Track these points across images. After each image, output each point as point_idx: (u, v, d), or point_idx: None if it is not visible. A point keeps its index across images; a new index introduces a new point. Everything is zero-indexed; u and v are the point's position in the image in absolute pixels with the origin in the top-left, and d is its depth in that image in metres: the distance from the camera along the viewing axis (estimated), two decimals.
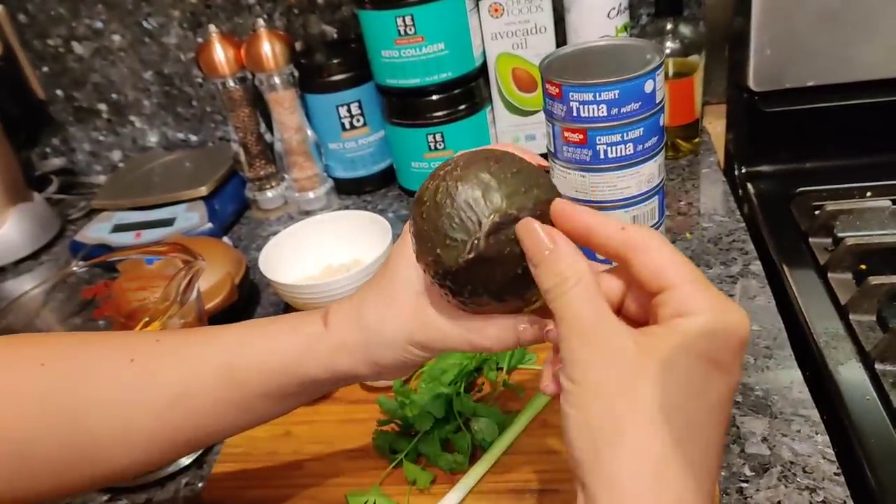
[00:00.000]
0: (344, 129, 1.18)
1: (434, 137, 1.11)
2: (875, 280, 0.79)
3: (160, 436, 0.55)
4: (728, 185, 1.07)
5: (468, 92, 1.11)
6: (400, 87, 1.10)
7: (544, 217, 0.45)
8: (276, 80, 1.12)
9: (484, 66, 1.12)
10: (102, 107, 1.40)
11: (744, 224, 0.97)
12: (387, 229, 0.94)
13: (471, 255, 0.44)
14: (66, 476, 0.54)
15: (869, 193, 0.97)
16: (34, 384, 0.53)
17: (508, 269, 0.46)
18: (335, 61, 1.14)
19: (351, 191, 1.24)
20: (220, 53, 1.12)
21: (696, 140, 1.15)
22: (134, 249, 0.82)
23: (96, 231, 1.18)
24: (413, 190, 1.19)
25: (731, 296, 0.85)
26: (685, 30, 1.07)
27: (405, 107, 1.12)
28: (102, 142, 1.44)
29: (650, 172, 0.76)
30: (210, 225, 1.15)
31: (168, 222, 1.16)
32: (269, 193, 1.23)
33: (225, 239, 1.16)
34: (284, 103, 1.14)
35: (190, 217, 1.16)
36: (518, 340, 0.50)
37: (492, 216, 0.44)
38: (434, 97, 1.10)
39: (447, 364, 0.76)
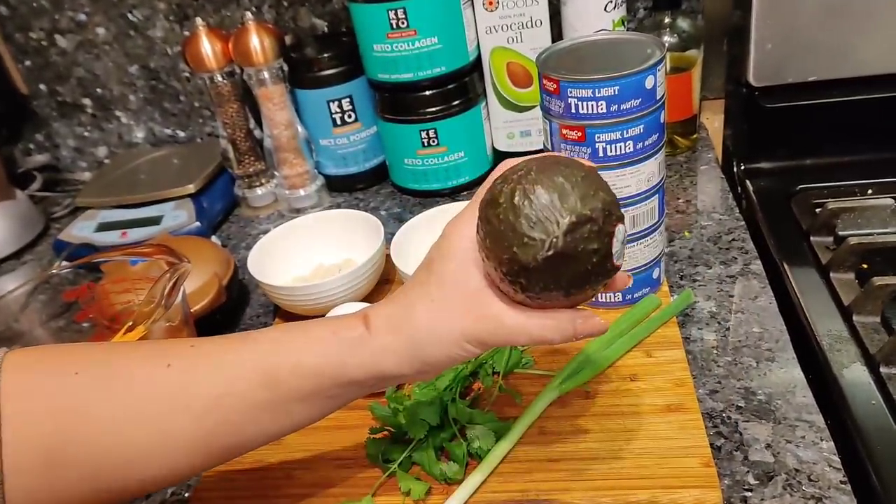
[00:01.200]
0: (335, 124, 1.15)
1: (427, 133, 1.09)
2: (879, 281, 0.77)
3: (198, 441, 0.55)
4: (727, 182, 1.05)
5: (462, 87, 1.09)
6: (392, 82, 1.08)
7: (609, 217, 0.50)
8: (265, 74, 1.10)
9: (478, 60, 1.10)
10: (87, 102, 1.37)
11: (743, 222, 0.95)
12: (379, 228, 0.92)
13: (549, 253, 0.48)
14: (102, 484, 0.53)
15: (871, 191, 0.96)
16: (68, 392, 0.53)
17: (579, 265, 0.49)
18: (326, 55, 1.12)
19: (342, 188, 1.22)
20: (208, 47, 1.10)
21: (694, 136, 1.13)
22: (118, 251, 0.80)
23: (81, 230, 1.16)
24: (405, 186, 1.17)
25: (731, 296, 0.83)
26: (683, 24, 1.06)
27: (398, 102, 1.10)
28: (87, 138, 1.41)
29: (650, 171, 0.74)
30: (198, 223, 1.12)
31: (155, 221, 1.14)
32: (259, 191, 1.21)
33: (213, 238, 1.14)
34: (274, 98, 1.12)
35: (177, 215, 1.14)
36: (575, 333, 0.53)
37: (569, 216, 0.48)
38: (427, 92, 1.08)
39: None
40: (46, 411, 0.52)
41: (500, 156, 1.17)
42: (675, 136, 1.11)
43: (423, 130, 1.09)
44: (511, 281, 0.50)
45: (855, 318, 0.77)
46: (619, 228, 0.51)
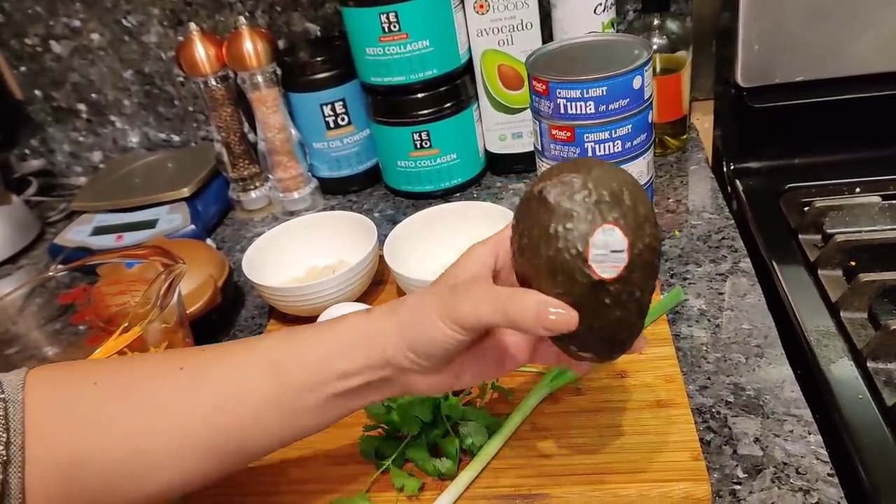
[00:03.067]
0: (328, 127, 1.16)
1: (420, 136, 1.10)
2: (866, 277, 0.78)
3: (209, 442, 0.56)
4: (716, 181, 1.06)
5: (454, 90, 1.10)
6: (385, 85, 1.09)
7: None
8: (259, 78, 1.11)
9: (470, 63, 1.11)
10: (82, 107, 1.38)
11: (733, 221, 0.96)
12: (372, 230, 0.93)
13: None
14: (119, 491, 0.54)
15: (858, 189, 0.97)
16: (88, 402, 0.54)
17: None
18: (319, 59, 1.13)
19: (336, 190, 1.23)
20: (201, 52, 1.10)
21: (684, 136, 1.14)
22: (113, 253, 0.80)
23: (76, 234, 1.16)
24: (398, 189, 1.18)
25: (720, 294, 0.84)
26: (672, 25, 1.07)
27: (390, 105, 1.11)
28: (82, 142, 1.42)
29: (639, 170, 0.75)
30: (193, 227, 1.13)
31: (150, 224, 1.15)
32: (253, 194, 1.22)
33: (208, 241, 1.14)
34: (267, 102, 1.13)
35: (172, 219, 1.14)
36: (537, 317, 0.50)
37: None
38: (419, 95, 1.09)
39: None
40: (68, 425, 0.53)
41: (492, 158, 1.18)
42: (666, 136, 1.12)
43: (416, 133, 1.10)
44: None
45: (842, 314, 0.78)
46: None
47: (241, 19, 1.10)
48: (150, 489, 0.55)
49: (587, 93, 0.70)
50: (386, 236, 0.92)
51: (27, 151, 1.44)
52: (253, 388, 0.56)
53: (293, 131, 1.16)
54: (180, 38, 1.27)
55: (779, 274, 0.86)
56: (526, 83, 0.74)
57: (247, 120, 1.19)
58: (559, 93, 0.71)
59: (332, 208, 1.19)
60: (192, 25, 1.11)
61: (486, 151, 1.18)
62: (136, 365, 0.59)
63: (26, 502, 0.50)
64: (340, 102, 1.14)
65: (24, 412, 0.52)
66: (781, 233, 0.93)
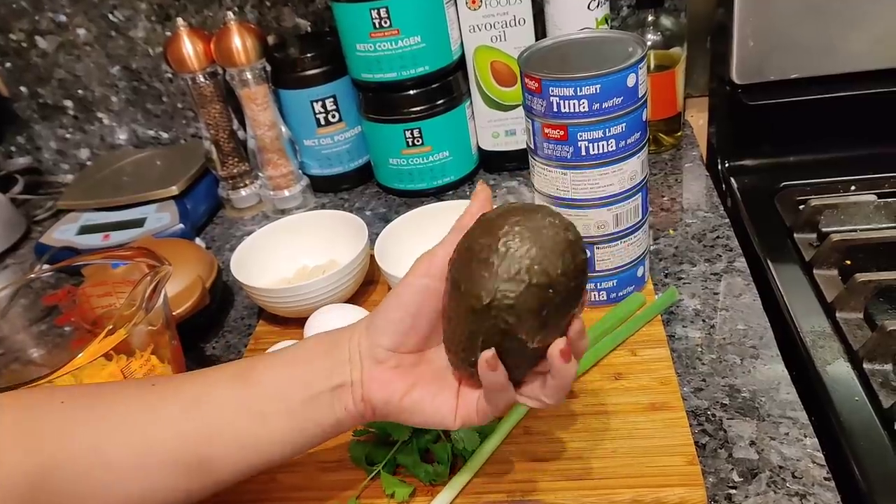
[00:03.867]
0: (319, 125, 1.15)
1: (412, 133, 1.09)
2: (862, 277, 0.78)
3: (176, 452, 0.55)
4: (711, 179, 1.05)
5: (446, 86, 1.09)
6: (376, 82, 1.07)
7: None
8: (248, 75, 1.09)
9: (462, 59, 1.10)
10: (68, 103, 1.36)
11: (728, 220, 0.95)
12: (363, 229, 0.92)
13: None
14: None
15: (853, 187, 0.96)
16: (54, 420, 0.53)
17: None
18: (309, 55, 1.11)
19: (327, 188, 1.22)
20: (189, 48, 1.09)
21: (679, 134, 1.13)
22: (98, 254, 0.79)
23: (63, 233, 1.15)
24: (390, 186, 1.17)
25: (715, 294, 0.83)
26: (667, 21, 1.06)
27: (381, 102, 1.10)
28: (69, 140, 1.40)
29: (633, 169, 0.74)
30: (181, 225, 1.11)
31: (138, 223, 1.13)
32: (243, 192, 1.20)
33: (197, 240, 1.13)
34: (257, 99, 1.11)
35: (161, 217, 1.13)
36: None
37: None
38: (411, 92, 1.08)
39: None
40: (33, 441, 0.52)
41: (485, 155, 1.17)
42: (660, 133, 1.11)
43: (408, 130, 1.09)
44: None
45: (838, 314, 0.78)
46: None
47: (230, 15, 1.08)
48: (115, 502, 0.54)
49: (580, 91, 0.69)
50: (378, 235, 0.91)
51: (13, 149, 1.42)
52: (220, 392, 0.57)
53: (283, 128, 1.15)
54: (168, 34, 1.26)
55: (774, 273, 0.85)
56: (519, 80, 0.73)
57: (236, 117, 1.18)
58: (552, 91, 0.70)
59: (323, 206, 1.18)
60: (180, 21, 1.10)
61: (479, 149, 1.17)
62: (108, 385, 0.59)
63: None
64: (331, 99, 1.13)
65: None
66: (776, 231, 0.92)
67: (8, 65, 1.33)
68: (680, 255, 0.91)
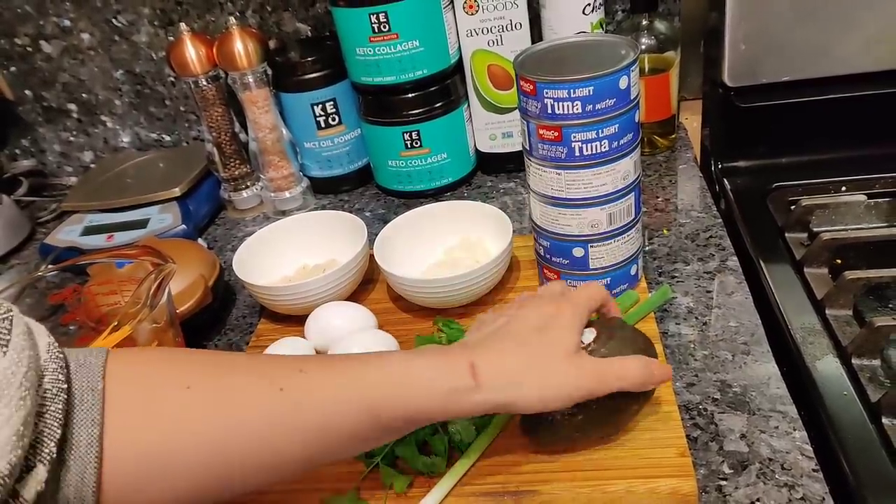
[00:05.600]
0: (319, 127, 1.16)
1: (410, 135, 1.10)
2: (851, 275, 0.79)
3: (300, 464, 0.57)
4: (705, 180, 1.07)
5: (444, 89, 1.11)
6: (375, 85, 1.09)
7: None
8: (250, 78, 1.11)
9: (460, 63, 1.12)
10: (72, 107, 1.38)
11: (721, 220, 0.97)
12: (362, 229, 0.93)
13: None
14: (207, 492, 0.54)
15: (844, 188, 0.98)
16: (179, 407, 0.53)
17: None
18: (309, 59, 1.13)
19: (327, 190, 1.23)
20: (192, 52, 1.10)
21: (673, 136, 1.15)
22: (103, 253, 0.81)
23: (67, 234, 1.16)
24: (389, 188, 1.19)
25: (708, 292, 0.85)
26: (661, 25, 1.07)
27: (380, 105, 1.11)
28: (73, 142, 1.42)
29: (626, 169, 0.76)
30: (184, 226, 1.13)
31: (141, 224, 1.15)
32: (245, 194, 1.22)
33: (199, 240, 1.15)
34: (258, 102, 1.13)
35: (163, 218, 1.15)
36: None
37: None
38: (410, 95, 1.09)
39: None
40: (153, 423, 0.51)
41: (482, 157, 1.19)
42: (655, 135, 1.13)
43: (406, 132, 1.10)
44: None
45: (828, 311, 0.79)
46: None
47: (232, 19, 1.10)
48: (231, 495, 0.55)
49: (574, 93, 0.70)
50: (377, 235, 0.93)
51: (18, 151, 1.44)
52: (348, 427, 0.56)
53: (284, 131, 1.16)
54: (171, 38, 1.27)
55: (765, 272, 0.86)
56: (515, 83, 0.75)
57: (238, 120, 1.19)
58: (546, 93, 0.71)
59: (324, 207, 1.20)
60: (183, 25, 1.11)
61: (477, 151, 1.18)
62: (231, 374, 0.56)
63: (102, 495, 0.48)
64: (331, 102, 1.15)
65: (103, 403, 0.49)
66: (768, 231, 0.94)
67: (13, 69, 1.35)
68: (673, 254, 0.92)
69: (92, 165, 1.43)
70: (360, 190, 1.24)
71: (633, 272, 0.85)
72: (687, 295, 0.85)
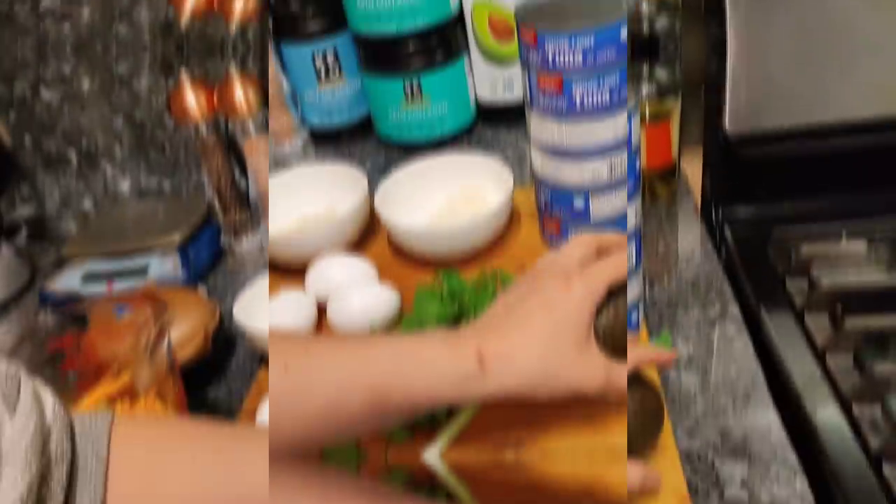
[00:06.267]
0: (320, 78, 1.16)
1: (411, 86, 1.10)
2: (851, 322, 0.79)
3: (301, 443, 0.55)
4: (706, 228, 1.07)
5: (445, 40, 1.11)
6: (375, 35, 1.09)
7: None
8: (250, 126, 1.11)
9: (461, 13, 1.11)
10: (72, 154, 1.38)
11: (721, 267, 0.97)
12: (361, 178, 0.97)
13: None
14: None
15: (845, 234, 0.97)
16: (182, 482, 0.51)
17: None
18: (310, 9, 1.13)
19: (328, 142, 1.22)
20: (192, 99, 1.11)
21: (674, 184, 1.15)
22: (103, 300, 0.80)
23: (66, 280, 1.16)
24: (390, 139, 1.19)
25: (708, 340, 0.85)
26: (661, 73, 1.08)
27: (381, 55, 1.12)
28: (73, 189, 1.42)
29: (625, 123, 0.76)
30: (184, 273, 1.13)
31: (141, 271, 1.14)
32: (245, 241, 1.22)
33: (200, 288, 1.14)
34: (258, 149, 1.13)
35: (163, 265, 1.14)
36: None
37: None
38: (410, 45, 1.09)
39: (427, 314, 0.76)
40: (156, 491, 0.50)
41: (483, 109, 1.18)
42: (656, 184, 1.13)
43: (407, 83, 1.10)
44: None
45: (828, 358, 0.79)
46: None
47: (232, 65, 1.11)
48: None
49: (575, 43, 0.71)
50: (378, 187, 0.93)
51: (17, 198, 1.44)
52: (352, 408, 0.55)
53: (284, 83, 1.16)
54: (171, 84, 1.28)
55: (766, 319, 0.86)
56: (516, 34, 0.75)
57: (238, 166, 1.20)
58: (547, 43, 0.71)
59: (324, 160, 1.20)
60: (183, 72, 1.12)
61: (478, 102, 1.18)
62: (234, 441, 0.56)
63: None
64: (332, 53, 1.14)
65: (107, 469, 0.48)
66: (769, 278, 0.94)
67: (12, 116, 1.35)
68: (674, 301, 0.92)
69: (92, 212, 1.43)
70: (360, 142, 1.23)
71: (633, 319, 0.84)
72: (688, 342, 0.85)
